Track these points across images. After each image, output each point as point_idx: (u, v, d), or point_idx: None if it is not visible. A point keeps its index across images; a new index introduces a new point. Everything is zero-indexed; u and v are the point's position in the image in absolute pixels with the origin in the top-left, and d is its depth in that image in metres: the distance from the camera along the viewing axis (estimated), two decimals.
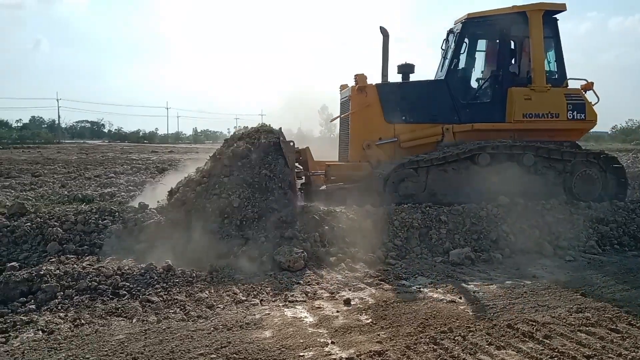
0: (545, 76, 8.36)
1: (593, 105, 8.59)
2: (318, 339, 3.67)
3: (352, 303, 4.44)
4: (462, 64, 8.67)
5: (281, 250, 5.53)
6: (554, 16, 8.51)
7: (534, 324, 3.92)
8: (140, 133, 72.16)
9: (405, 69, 8.69)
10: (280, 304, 4.40)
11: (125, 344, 3.58)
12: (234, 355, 3.40)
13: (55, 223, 6.16)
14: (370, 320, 4.05)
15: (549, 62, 8.65)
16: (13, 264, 5.19)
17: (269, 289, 4.78)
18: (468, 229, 6.64)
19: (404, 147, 8.35)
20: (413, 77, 8.85)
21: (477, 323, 3.95)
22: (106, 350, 3.47)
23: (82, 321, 3.98)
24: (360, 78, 8.30)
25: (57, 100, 76.28)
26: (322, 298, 4.58)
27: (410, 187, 7.68)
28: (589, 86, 8.60)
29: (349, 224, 6.35)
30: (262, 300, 4.50)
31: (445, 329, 3.82)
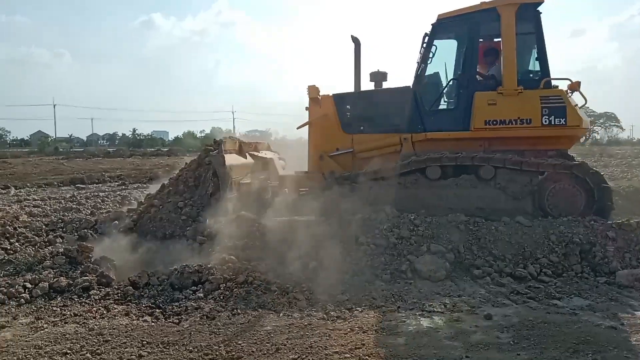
0: (516, 78, 7.26)
1: (579, 107, 7.26)
2: (452, 352, 3.61)
3: (493, 319, 4.25)
4: (430, 69, 7.90)
5: (422, 259, 5.52)
6: (537, 9, 7.27)
7: None
8: (302, 140, 77.03)
9: (378, 77, 8.29)
10: (417, 313, 4.42)
11: (272, 335, 3.96)
12: (367, 357, 3.54)
13: None
14: (511, 339, 3.84)
15: (536, 60, 7.47)
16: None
17: (407, 296, 4.82)
18: None
19: (360, 157, 7.87)
20: (386, 85, 8.39)
21: None
22: (255, 339, 3.88)
23: (238, 311, 4.50)
24: (311, 90, 8.07)
25: (233, 112, 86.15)
26: (462, 311, 4.47)
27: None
28: (574, 86, 7.30)
29: (497, 236, 6.05)
30: (399, 307, 4.56)
31: (599, 357, 3.45)
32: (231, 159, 7.65)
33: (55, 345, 3.83)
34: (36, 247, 6.55)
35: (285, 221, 6.52)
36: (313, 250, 5.74)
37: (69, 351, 3.70)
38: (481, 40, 7.84)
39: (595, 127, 72.39)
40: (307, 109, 8.35)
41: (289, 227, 6.25)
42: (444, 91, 7.99)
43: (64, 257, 5.89)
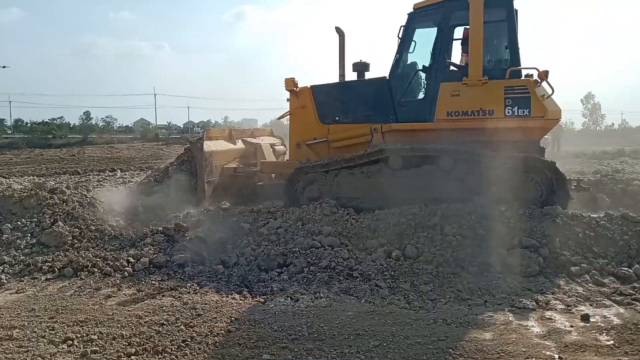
0: (482, 68, 6.97)
1: (546, 97, 6.82)
2: (543, 352, 3.42)
3: (591, 320, 3.95)
4: (406, 59, 7.74)
5: (513, 253, 5.25)
6: None
7: None
8: None
9: (360, 68, 8.28)
10: (506, 308, 4.22)
11: (353, 321, 3.99)
12: (450, 349, 3.45)
13: None
14: (611, 342, 3.56)
15: (506, 48, 7.12)
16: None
17: (495, 291, 4.62)
18: None
19: (334, 147, 7.96)
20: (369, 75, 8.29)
21: None
22: (336, 323, 3.93)
23: (321, 295, 4.58)
24: (287, 82, 8.21)
25: None
26: (555, 309, 4.20)
27: (315, 190, 7.38)
28: (541, 75, 6.85)
29: (598, 232, 5.60)
30: (486, 301, 4.38)
31: None
32: (213, 145, 8.26)
33: (153, 316, 4.14)
34: (138, 224, 7.09)
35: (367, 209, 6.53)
36: (396, 238, 5.69)
37: (165, 322, 3.99)
38: (468, 27, 7.44)
39: None
40: (288, 100, 8.57)
41: (370, 215, 6.24)
42: (413, 81, 7.77)
43: (162, 235, 6.33)
